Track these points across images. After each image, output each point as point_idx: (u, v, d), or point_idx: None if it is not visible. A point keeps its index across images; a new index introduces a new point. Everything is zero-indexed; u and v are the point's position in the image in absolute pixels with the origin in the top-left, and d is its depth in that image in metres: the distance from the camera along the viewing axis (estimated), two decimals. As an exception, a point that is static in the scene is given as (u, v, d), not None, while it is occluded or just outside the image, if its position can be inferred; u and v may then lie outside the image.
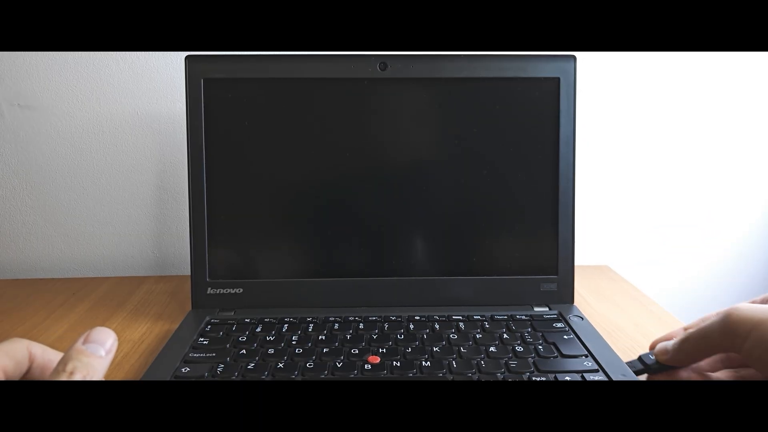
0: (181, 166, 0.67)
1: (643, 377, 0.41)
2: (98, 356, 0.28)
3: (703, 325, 0.36)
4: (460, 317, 0.49)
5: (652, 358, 0.40)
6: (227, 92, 0.50)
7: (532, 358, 0.42)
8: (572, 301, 0.52)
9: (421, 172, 0.51)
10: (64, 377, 0.26)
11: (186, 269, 0.68)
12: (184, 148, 0.53)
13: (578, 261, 0.52)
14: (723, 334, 0.34)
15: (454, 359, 0.42)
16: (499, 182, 0.51)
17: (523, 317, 0.49)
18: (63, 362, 0.27)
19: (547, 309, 0.51)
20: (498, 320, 0.48)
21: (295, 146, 0.51)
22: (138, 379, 0.41)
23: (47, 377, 0.29)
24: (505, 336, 0.46)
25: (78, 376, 0.27)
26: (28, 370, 0.30)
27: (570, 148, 0.51)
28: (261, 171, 0.51)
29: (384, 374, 0.40)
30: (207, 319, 0.49)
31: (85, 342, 0.28)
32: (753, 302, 0.38)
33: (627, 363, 0.41)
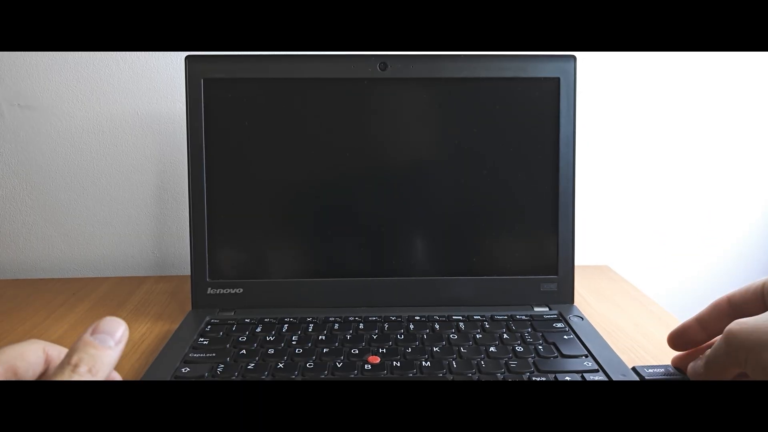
0: (181, 166, 0.67)
1: None
2: (107, 347, 0.27)
3: (710, 352, 0.36)
4: (460, 317, 0.49)
5: (648, 370, 0.40)
6: (227, 92, 0.50)
7: (532, 358, 0.42)
8: (572, 301, 0.52)
9: (421, 172, 0.51)
10: (68, 370, 0.25)
11: (186, 269, 0.68)
12: (184, 148, 0.53)
13: (578, 261, 0.52)
14: (729, 357, 0.34)
15: (454, 359, 0.42)
16: (499, 182, 0.51)
17: (523, 317, 0.49)
18: (69, 355, 0.26)
19: (547, 309, 0.51)
20: (498, 320, 0.48)
21: (296, 146, 0.51)
22: (138, 379, 0.41)
23: (52, 371, 0.28)
24: (505, 336, 0.46)
25: (83, 369, 0.26)
26: (44, 372, 0.29)
27: (570, 148, 0.51)
28: (261, 171, 0.51)
29: (384, 374, 0.40)
30: (207, 319, 0.49)
31: (93, 333, 0.27)
32: (744, 292, 0.38)
33: None
